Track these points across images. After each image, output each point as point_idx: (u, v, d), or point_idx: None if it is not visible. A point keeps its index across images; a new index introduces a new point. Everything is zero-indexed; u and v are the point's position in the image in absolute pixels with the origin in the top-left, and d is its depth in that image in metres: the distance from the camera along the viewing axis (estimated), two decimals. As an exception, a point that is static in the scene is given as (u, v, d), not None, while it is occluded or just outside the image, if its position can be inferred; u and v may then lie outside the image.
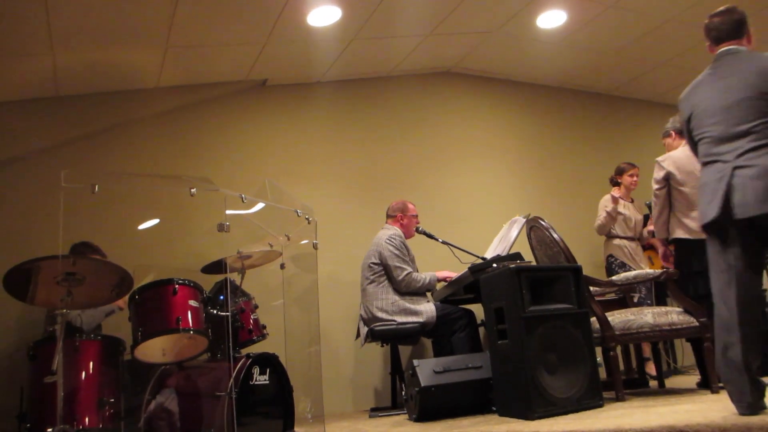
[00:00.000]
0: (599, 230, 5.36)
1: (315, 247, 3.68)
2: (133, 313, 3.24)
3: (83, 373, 3.07)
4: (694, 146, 2.77)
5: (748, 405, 2.39)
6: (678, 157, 4.04)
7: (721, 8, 2.74)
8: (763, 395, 2.43)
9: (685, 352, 5.48)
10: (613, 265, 5.22)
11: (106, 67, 4.42)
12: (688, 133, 2.79)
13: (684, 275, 3.80)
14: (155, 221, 4.39)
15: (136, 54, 4.39)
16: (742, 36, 2.69)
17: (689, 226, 3.96)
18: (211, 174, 4.09)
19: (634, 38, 5.59)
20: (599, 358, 3.47)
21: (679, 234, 4.08)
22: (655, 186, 4.14)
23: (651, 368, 4.71)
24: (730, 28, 2.68)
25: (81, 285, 2.87)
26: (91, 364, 3.10)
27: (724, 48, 2.69)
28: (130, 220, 4.33)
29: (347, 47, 5.01)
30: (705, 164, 2.63)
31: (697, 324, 3.49)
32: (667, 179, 4.13)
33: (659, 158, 4.14)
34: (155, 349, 3.27)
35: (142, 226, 4.37)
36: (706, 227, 2.59)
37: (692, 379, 4.09)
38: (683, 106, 2.80)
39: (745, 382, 2.40)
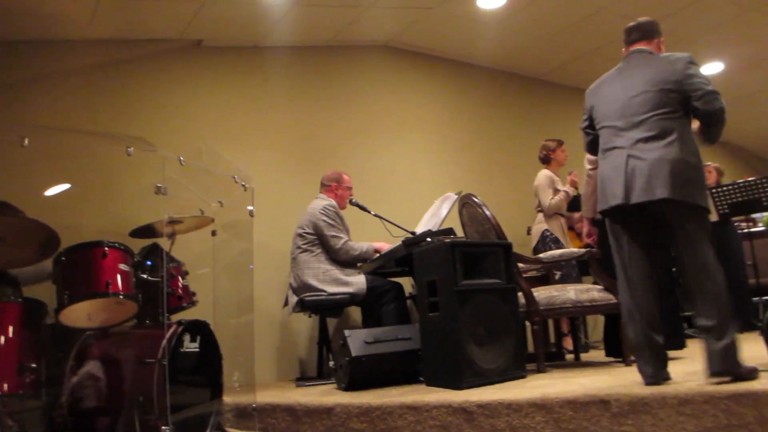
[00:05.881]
0: (552, 209, 5.20)
1: (251, 214, 3.62)
2: (58, 275, 3.09)
3: (2, 338, 2.91)
4: (589, 137, 3.01)
5: (651, 375, 2.64)
6: None
7: (639, 18, 2.97)
8: (665, 365, 2.69)
9: (597, 328, 5.80)
10: (547, 239, 5.19)
11: (30, 12, 4.13)
12: (588, 123, 3.00)
13: (606, 254, 4.00)
14: (66, 186, 4.14)
15: (63, 1, 4.13)
16: (652, 40, 2.92)
17: None
18: (143, 134, 3.93)
19: (569, 24, 5.76)
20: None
21: None
22: (588, 167, 4.30)
23: (568, 343, 4.96)
24: (642, 33, 2.92)
25: (2, 244, 2.73)
26: (10, 328, 2.93)
27: (633, 48, 2.92)
28: (59, 177, 4.09)
29: (287, 13, 4.91)
30: (604, 152, 2.84)
31: (615, 301, 3.67)
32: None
33: None
34: (81, 314, 3.13)
35: (54, 189, 4.11)
36: (606, 213, 2.81)
37: (603, 353, 4.33)
38: (588, 99, 3.01)
39: (647, 355, 2.66)
